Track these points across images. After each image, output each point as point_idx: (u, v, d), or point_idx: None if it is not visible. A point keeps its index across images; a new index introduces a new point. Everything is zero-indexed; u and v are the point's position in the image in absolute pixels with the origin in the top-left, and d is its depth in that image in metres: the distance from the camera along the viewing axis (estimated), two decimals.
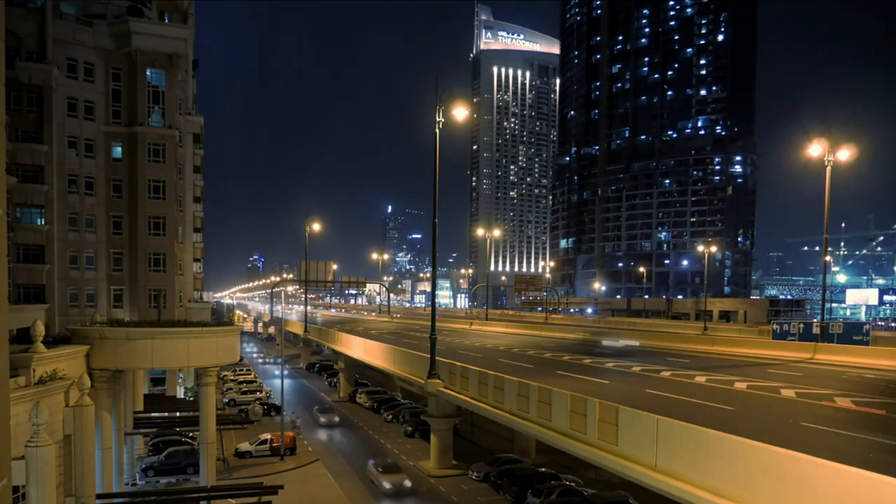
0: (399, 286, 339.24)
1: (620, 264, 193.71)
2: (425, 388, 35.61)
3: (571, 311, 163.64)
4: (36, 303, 42.09)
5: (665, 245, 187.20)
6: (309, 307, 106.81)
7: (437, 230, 34.72)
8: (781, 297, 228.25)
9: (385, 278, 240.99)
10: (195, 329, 30.32)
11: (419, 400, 56.21)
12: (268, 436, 44.93)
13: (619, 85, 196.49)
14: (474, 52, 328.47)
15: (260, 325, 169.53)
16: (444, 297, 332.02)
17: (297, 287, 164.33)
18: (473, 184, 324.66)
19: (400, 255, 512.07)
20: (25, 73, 41.78)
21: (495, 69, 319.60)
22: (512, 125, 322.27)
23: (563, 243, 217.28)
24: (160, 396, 49.37)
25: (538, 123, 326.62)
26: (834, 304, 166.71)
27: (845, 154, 40.71)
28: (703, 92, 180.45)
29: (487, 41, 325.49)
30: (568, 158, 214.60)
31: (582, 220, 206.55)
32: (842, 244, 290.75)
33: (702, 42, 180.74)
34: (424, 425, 45.82)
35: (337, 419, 56.12)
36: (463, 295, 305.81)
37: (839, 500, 12.74)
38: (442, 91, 33.35)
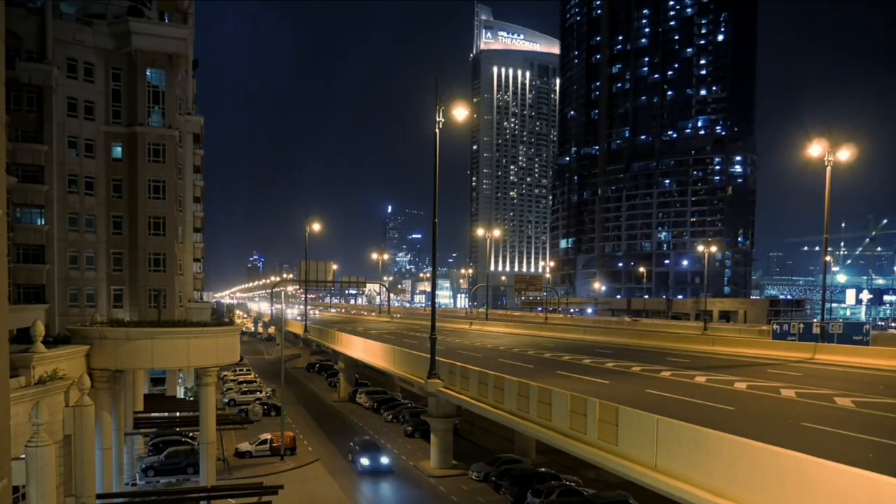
0: (399, 286, 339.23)
1: (620, 264, 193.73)
2: (425, 388, 35.62)
3: (571, 311, 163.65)
4: (36, 303, 42.10)
5: (665, 245, 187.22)
6: (309, 307, 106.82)
7: (437, 230, 34.72)
8: (781, 297, 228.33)
9: (385, 278, 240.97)
10: (195, 329, 30.32)
11: (419, 400, 56.22)
12: (268, 436, 44.94)
13: (619, 85, 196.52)
14: (474, 52, 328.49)
15: (260, 324, 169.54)
16: (444, 297, 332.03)
17: (297, 287, 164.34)
18: (473, 184, 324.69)
19: (400, 255, 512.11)
20: (25, 73, 41.79)
21: (495, 69, 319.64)
22: (512, 125, 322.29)
23: (563, 243, 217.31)
24: (160, 396, 49.36)
25: (538, 123, 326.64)
26: (834, 304, 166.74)
27: (845, 154, 40.71)
28: (703, 92, 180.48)
29: (487, 41, 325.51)
30: (568, 158, 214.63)
31: (582, 220, 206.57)
32: (842, 244, 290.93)
33: (702, 42, 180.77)
34: (424, 425, 45.82)
35: (386, 462, 40.63)
36: (463, 295, 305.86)
37: (839, 500, 12.75)
38: (442, 91, 33.39)
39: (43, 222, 43.29)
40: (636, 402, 22.55)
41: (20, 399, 19.25)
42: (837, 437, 18.72)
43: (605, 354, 44.45)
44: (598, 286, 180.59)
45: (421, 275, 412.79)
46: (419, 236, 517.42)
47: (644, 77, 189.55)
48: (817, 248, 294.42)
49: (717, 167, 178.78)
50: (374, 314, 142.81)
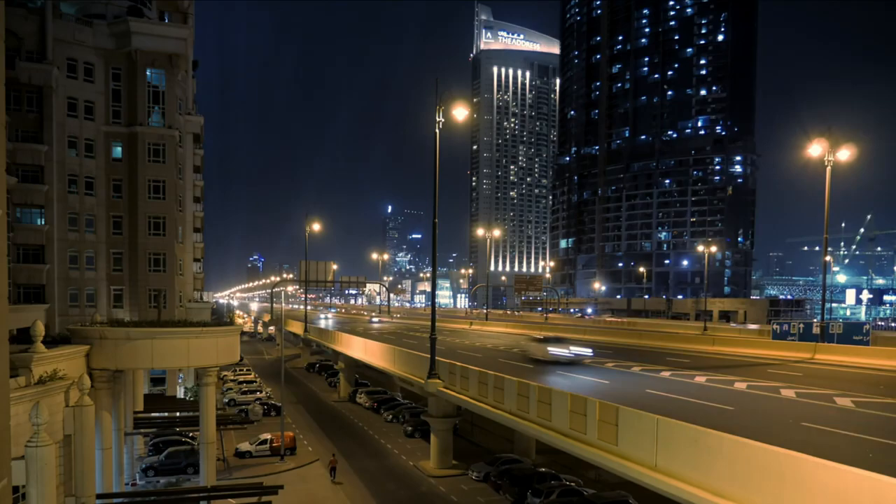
0: (399, 286, 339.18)
1: (620, 264, 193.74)
2: (425, 388, 35.61)
3: (571, 311, 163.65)
4: (36, 303, 42.12)
5: (665, 245, 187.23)
6: (309, 307, 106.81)
7: (437, 230, 34.71)
8: (781, 297, 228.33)
9: (385, 278, 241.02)
10: (195, 329, 30.29)
11: (419, 400, 56.20)
12: (268, 436, 44.95)
13: (619, 85, 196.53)
14: (474, 52, 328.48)
15: (260, 324, 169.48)
16: (444, 297, 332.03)
17: (297, 287, 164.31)
18: (473, 184, 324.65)
19: (400, 255, 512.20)
20: (25, 73, 41.81)
21: (495, 69, 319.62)
22: (512, 125, 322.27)
23: (563, 243, 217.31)
24: (160, 396, 49.36)
25: (538, 123, 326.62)
26: (834, 304, 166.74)
27: (845, 154, 40.69)
28: (703, 92, 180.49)
29: (487, 41, 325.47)
30: (568, 158, 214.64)
31: (582, 220, 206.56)
32: (842, 244, 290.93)
33: (702, 42, 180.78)
34: (424, 425, 45.83)
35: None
36: (463, 295, 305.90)
37: (839, 500, 12.74)
38: (442, 91, 33.36)
39: (43, 222, 43.30)
40: (636, 401, 22.54)
41: (20, 399, 19.24)
42: (837, 437, 18.72)
43: (605, 354, 44.40)
44: (598, 286, 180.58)
45: (421, 275, 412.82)
46: (419, 236, 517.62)
47: (644, 77, 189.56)
48: (817, 248, 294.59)
49: (717, 167, 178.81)
50: (373, 314, 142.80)
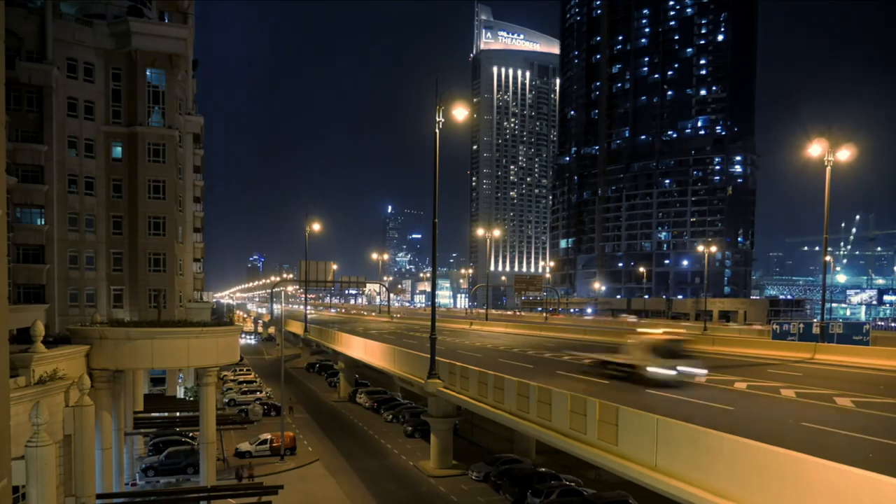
0: (399, 286, 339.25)
1: (620, 264, 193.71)
2: (425, 388, 35.61)
3: (571, 311, 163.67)
4: (36, 303, 42.11)
5: (665, 245, 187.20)
6: (309, 307, 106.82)
7: (437, 230, 34.71)
8: (781, 297, 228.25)
9: (385, 278, 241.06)
10: (195, 329, 30.30)
11: (419, 400, 56.19)
12: (268, 436, 44.95)
13: (619, 85, 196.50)
14: (474, 52, 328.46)
15: (260, 324, 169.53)
16: (444, 297, 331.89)
17: (297, 287, 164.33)
18: (473, 184, 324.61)
19: (400, 255, 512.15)
20: (25, 73, 41.80)
21: (495, 69, 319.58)
22: (512, 125, 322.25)
23: (563, 243, 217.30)
24: (160, 396, 49.35)
25: (538, 123, 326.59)
26: (834, 304, 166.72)
27: (845, 154, 40.68)
28: (703, 92, 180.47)
29: (487, 41, 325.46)
30: (568, 158, 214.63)
31: (582, 220, 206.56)
32: (841, 244, 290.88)
33: (702, 42, 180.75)
34: (424, 425, 45.83)
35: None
36: (463, 295, 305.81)
37: (839, 500, 12.74)
38: (442, 91, 33.36)
39: (43, 222, 43.29)
40: (636, 402, 22.53)
41: (20, 399, 19.24)
42: (837, 437, 18.72)
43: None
44: (598, 286, 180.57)
45: (421, 275, 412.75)
46: (419, 236, 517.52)
47: (644, 77, 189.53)
48: (817, 248, 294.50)
49: (717, 167, 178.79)
50: (373, 314, 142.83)
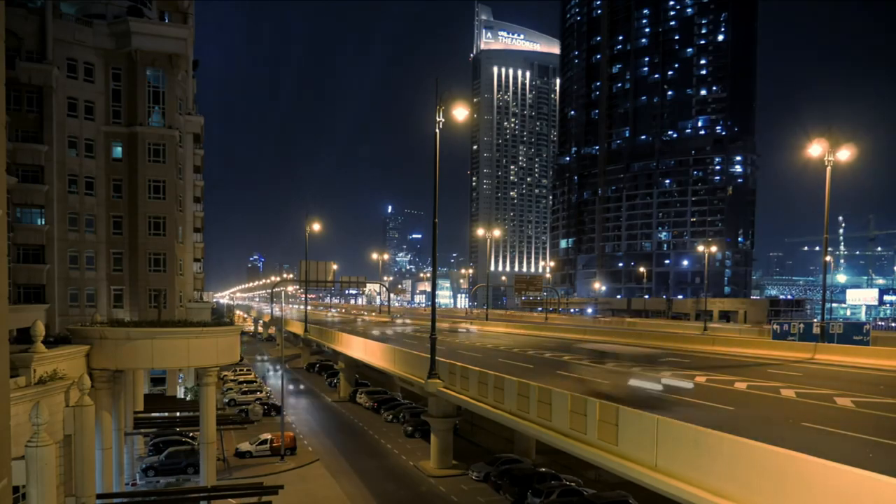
0: (399, 286, 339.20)
1: (620, 264, 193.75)
2: (425, 388, 35.61)
3: (571, 311, 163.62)
4: (36, 303, 42.14)
5: (665, 245, 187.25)
6: (309, 307, 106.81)
7: (437, 230, 34.70)
8: (781, 297, 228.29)
9: (385, 278, 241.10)
10: (195, 329, 30.30)
11: (419, 400, 56.20)
12: (268, 436, 44.94)
13: (619, 85, 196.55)
14: (474, 52, 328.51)
15: (260, 324, 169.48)
16: (444, 297, 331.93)
17: (297, 287, 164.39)
18: (473, 184, 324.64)
19: (400, 255, 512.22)
20: (25, 73, 41.83)
21: (495, 69, 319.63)
22: (512, 125, 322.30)
23: (563, 243, 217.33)
24: (160, 396, 49.35)
25: (538, 123, 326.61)
26: (834, 304, 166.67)
27: (845, 154, 40.68)
28: (703, 92, 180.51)
29: (487, 41, 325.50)
30: (568, 158, 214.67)
31: (582, 220, 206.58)
32: (842, 244, 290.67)
33: (702, 42, 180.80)
34: (424, 425, 45.83)
35: None
36: (463, 295, 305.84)
37: (839, 500, 12.74)
38: (442, 91, 33.34)
39: (43, 222, 43.31)
40: (636, 401, 22.52)
41: (20, 399, 19.25)
42: (837, 437, 18.72)
43: (605, 354, 44.37)
44: (599, 286, 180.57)
45: (421, 275, 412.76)
46: (419, 236, 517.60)
47: (644, 77, 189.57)
48: (817, 248, 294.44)
49: (717, 167, 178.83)
50: (373, 314, 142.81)
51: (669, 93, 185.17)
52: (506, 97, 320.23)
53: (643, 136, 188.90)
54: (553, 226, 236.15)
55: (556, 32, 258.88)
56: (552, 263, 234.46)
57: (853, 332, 45.44)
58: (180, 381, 55.40)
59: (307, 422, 56.96)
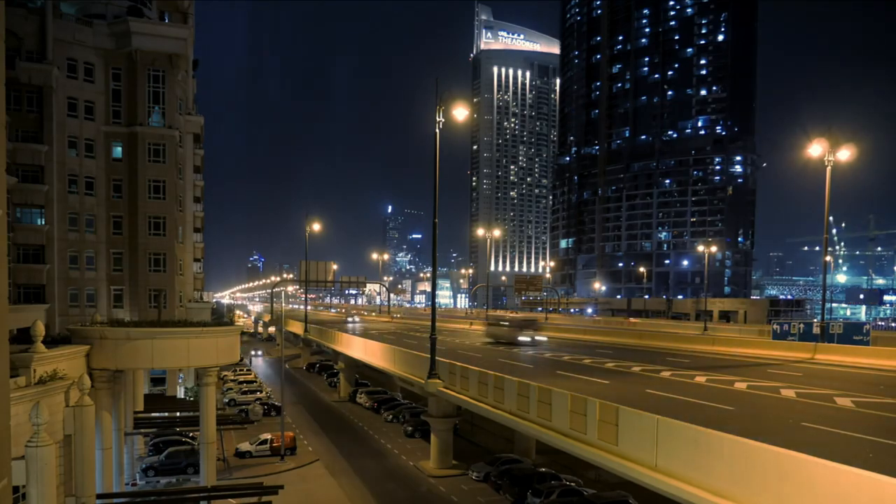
0: (399, 286, 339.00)
1: (620, 264, 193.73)
2: (425, 388, 35.60)
3: (571, 311, 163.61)
4: (36, 303, 42.12)
5: (665, 245, 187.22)
6: (309, 307, 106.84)
7: (437, 230, 34.69)
8: (781, 297, 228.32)
9: (385, 278, 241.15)
10: (195, 329, 30.30)
11: (419, 400, 56.20)
12: (268, 436, 44.94)
13: (619, 85, 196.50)
14: (474, 52, 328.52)
15: (260, 324, 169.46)
16: (444, 297, 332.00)
17: (297, 287, 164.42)
18: (473, 184, 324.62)
19: (400, 255, 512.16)
20: (25, 73, 41.82)
21: (495, 69, 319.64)
22: (512, 125, 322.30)
23: (563, 243, 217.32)
24: (160, 396, 49.36)
25: (538, 123, 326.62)
26: (834, 304, 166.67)
27: (845, 154, 40.67)
28: (703, 92, 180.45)
29: (487, 41, 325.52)
30: (568, 158, 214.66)
31: (582, 220, 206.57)
32: (842, 244, 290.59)
33: (702, 42, 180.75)
34: (424, 425, 45.83)
35: None
36: (463, 295, 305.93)
37: (840, 500, 12.74)
38: (442, 91, 33.34)
39: (43, 222, 43.30)
40: (636, 402, 22.54)
41: (20, 399, 19.25)
42: (837, 437, 18.72)
43: (606, 354, 44.44)
44: (599, 286, 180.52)
45: (421, 275, 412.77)
46: (419, 236, 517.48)
47: (644, 77, 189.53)
48: (817, 248, 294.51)
49: (717, 167, 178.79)
50: (374, 314, 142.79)
51: (669, 93, 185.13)
52: (506, 97, 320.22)
53: (643, 136, 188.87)
54: (553, 226, 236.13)
55: (555, 32, 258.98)
56: (552, 263, 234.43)
57: (853, 332, 45.46)
58: (180, 381, 55.39)
59: (307, 422, 56.96)
